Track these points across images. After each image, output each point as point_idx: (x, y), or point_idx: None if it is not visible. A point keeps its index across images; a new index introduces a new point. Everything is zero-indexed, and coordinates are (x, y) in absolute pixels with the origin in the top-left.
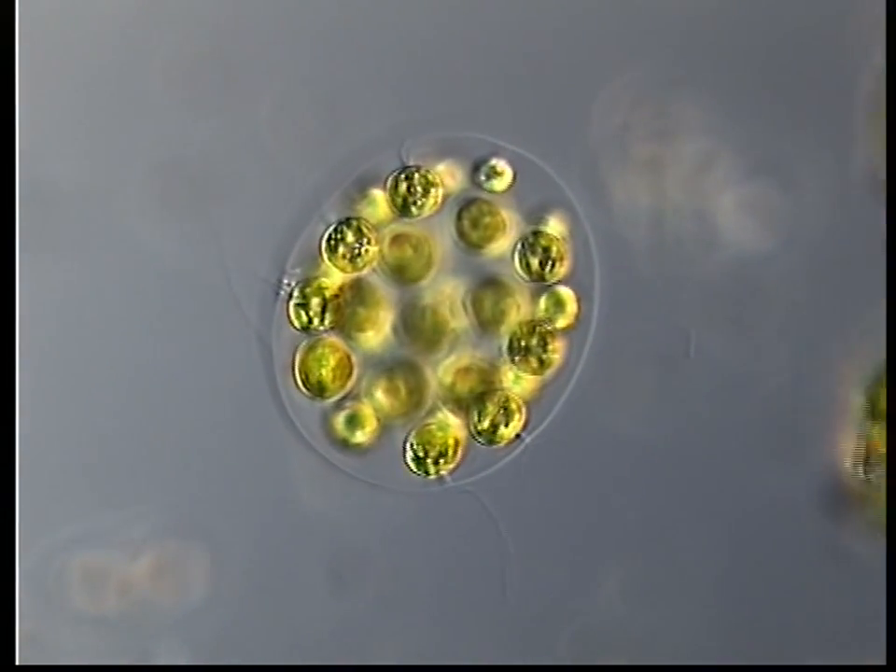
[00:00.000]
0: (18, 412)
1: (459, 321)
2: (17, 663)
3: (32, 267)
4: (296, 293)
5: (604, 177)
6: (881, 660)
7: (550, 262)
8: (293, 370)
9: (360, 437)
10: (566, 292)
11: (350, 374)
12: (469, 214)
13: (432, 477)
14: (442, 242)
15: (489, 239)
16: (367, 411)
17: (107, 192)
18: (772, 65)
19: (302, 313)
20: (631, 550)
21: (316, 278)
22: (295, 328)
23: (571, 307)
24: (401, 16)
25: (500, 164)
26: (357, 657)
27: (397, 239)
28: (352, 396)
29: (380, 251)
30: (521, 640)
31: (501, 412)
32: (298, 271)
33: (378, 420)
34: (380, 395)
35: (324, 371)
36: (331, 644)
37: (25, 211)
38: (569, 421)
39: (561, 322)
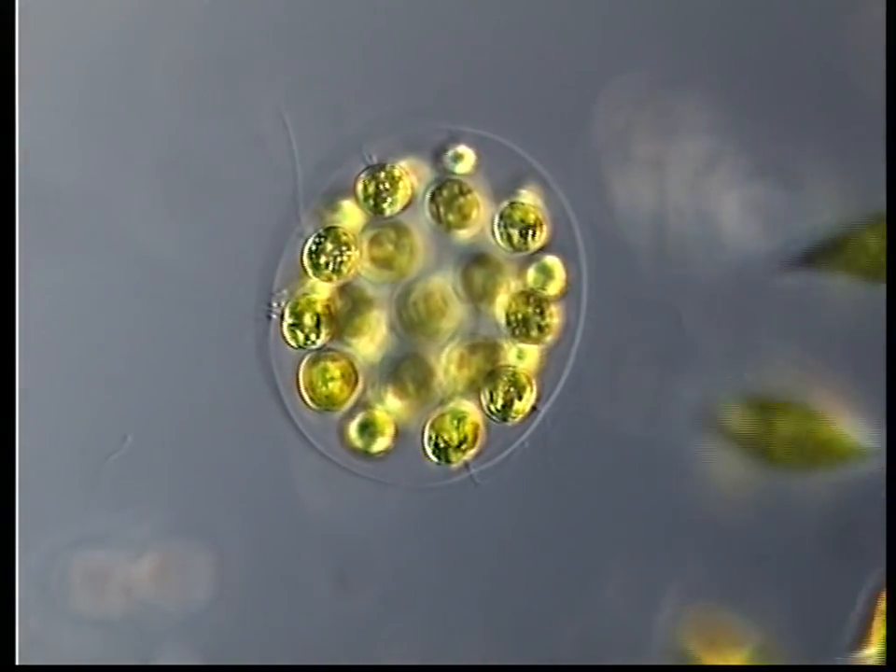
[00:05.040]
0: (18, 412)
1: (453, 307)
2: (17, 663)
3: (32, 267)
4: (287, 314)
5: (606, 178)
6: (881, 660)
7: (529, 231)
8: (299, 389)
9: (380, 444)
10: (551, 260)
11: (356, 381)
12: (442, 197)
13: (456, 466)
14: (421, 231)
15: (466, 218)
16: (381, 417)
17: (108, 193)
18: (775, 65)
19: (298, 332)
20: (632, 550)
21: (305, 294)
22: (293, 347)
23: (559, 273)
24: (405, 16)
25: (461, 147)
26: (361, 657)
27: (376, 238)
28: (362, 404)
29: (361, 254)
30: (522, 640)
31: (512, 388)
32: (284, 291)
33: (394, 424)
34: (391, 399)
35: (331, 385)
36: (335, 644)
37: (25, 211)
38: (570, 419)
39: (552, 289)
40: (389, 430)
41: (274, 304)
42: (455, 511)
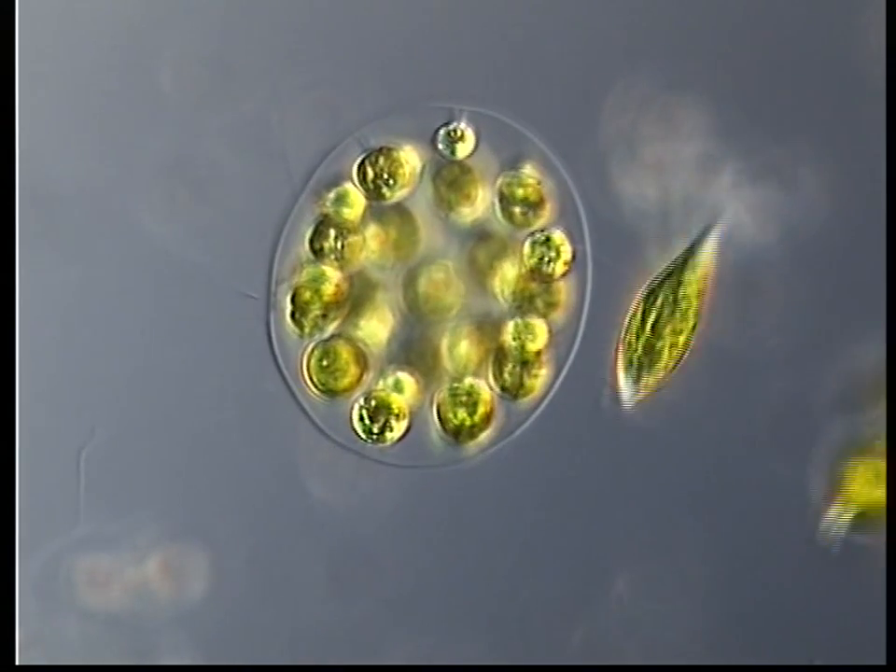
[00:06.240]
0: (18, 411)
1: (459, 287)
2: (17, 663)
3: (33, 266)
4: (294, 304)
5: (610, 179)
6: (881, 660)
7: (530, 208)
8: (308, 378)
9: (391, 427)
10: (557, 235)
11: (366, 368)
12: (443, 178)
13: (472, 446)
14: (423, 212)
15: (467, 198)
16: (392, 401)
17: (108, 191)
18: (775, 68)
19: (305, 321)
20: (638, 551)
21: (310, 284)
22: (301, 336)
23: (564, 248)
24: (408, 20)
25: (460, 128)
26: (360, 656)
27: (378, 222)
28: (372, 389)
29: (364, 239)
30: (529, 640)
31: (520, 365)
32: (288, 283)
33: (405, 407)
34: (400, 382)
35: (339, 373)
36: (333, 643)
37: (26, 211)
38: (574, 419)
39: (558, 265)
40: (400, 413)
41: (278, 295)
42: (457, 509)
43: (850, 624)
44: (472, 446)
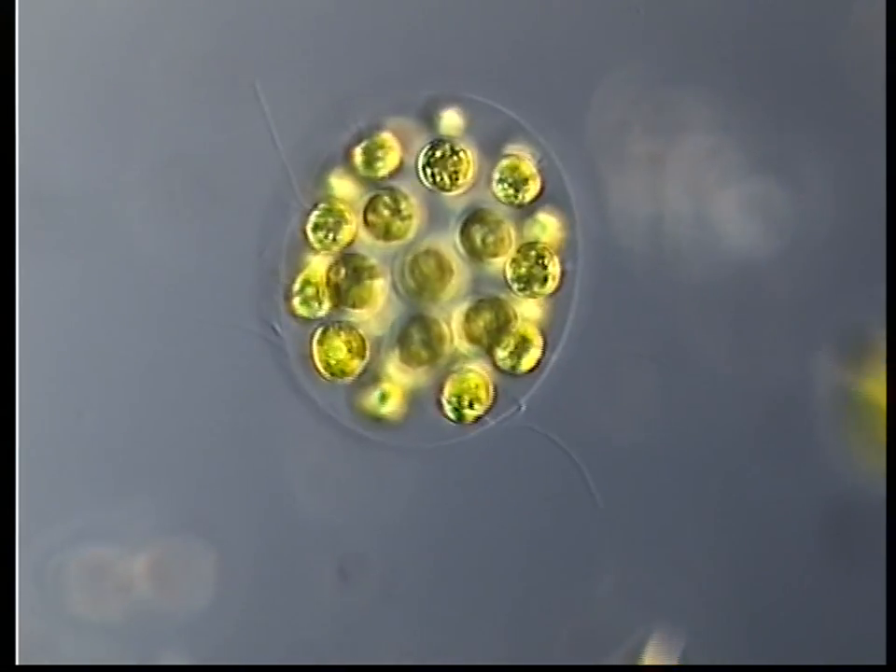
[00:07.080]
0: (18, 411)
1: (455, 267)
2: (17, 663)
3: (33, 267)
4: (289, 289)
5: (602, 174)
6: (881, 660)
7: (521, 184)
8: (310, 360)
9: (393, 410)
10: (547, 210)
11: (365, 348)
12: (434, 159)
13: (471, 422)
14: (416, 194)
15: (459, 177)
16: (392, 383)
17: (108, 191)
18: (775, 61)
19: (301, 306)
20: (629, 550)
21: (306, 267)
22: (299, 321)
23: (557, 222)
24: (401, 14)
25: (449, 108)
26: (361, 657)
27: (371, 206)
28: (372, 372)
29: (358, 223)
30: (518, 640)
31: (520, 341)
32: (283, 267)
33: (405, 389)
34: (400, 364)
35: (340, 353)
36: (337, 644)
37: (25, 211)
38: (568, 422)
39: (551, 239)
40: (401, 396)
41: (277, 284)
42: (455, 510)
43: (850, 624)
44: (474, 423)
